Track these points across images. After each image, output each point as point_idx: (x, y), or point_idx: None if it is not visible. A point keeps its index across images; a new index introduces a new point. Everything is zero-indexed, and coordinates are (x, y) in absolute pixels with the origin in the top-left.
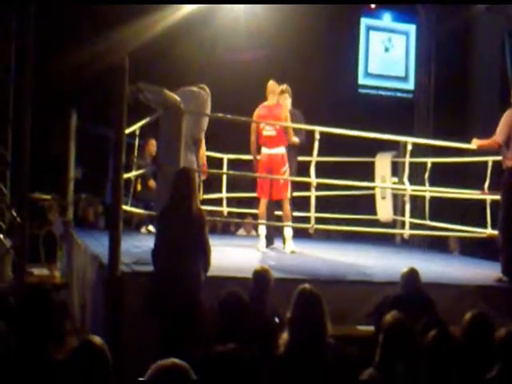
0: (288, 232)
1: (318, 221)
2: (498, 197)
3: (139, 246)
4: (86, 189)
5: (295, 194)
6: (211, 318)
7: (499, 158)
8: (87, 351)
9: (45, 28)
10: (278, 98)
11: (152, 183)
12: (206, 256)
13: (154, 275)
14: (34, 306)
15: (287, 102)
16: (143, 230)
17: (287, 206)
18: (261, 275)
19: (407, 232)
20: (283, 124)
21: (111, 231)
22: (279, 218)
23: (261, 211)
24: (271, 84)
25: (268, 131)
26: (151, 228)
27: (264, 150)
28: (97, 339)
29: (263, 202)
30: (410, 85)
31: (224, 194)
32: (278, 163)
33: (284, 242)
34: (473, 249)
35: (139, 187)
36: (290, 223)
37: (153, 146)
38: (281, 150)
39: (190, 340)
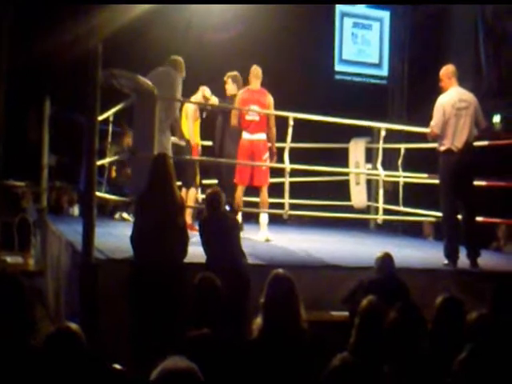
0: (264, 219)
1: (292, 207)
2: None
3: (113, 232)
4: (60, 176)
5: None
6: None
7: None
8: (63, 337)
9: (18, 15)
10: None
11: (128, 170)
12: (184, 241)
13: (134, 260)
14: (3, 292)
15: (231, 87)
16: (117, 216)
17: (266, 192)
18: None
19: (381, 217)
20: (265, 112)
21: (85, 217)
22: (254, 205)
23: (239, 198)
24: (254, 68)
25: (251, 116)
26: (125, 215)
27: (245, 135)
28: (73, 325)
29: (240, 189)
30: (384, 71)
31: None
32: (260, 149)
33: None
34: None
35: (114, 174)
36: (266, 210)
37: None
38: (262, 136)
39: (169, 325)
